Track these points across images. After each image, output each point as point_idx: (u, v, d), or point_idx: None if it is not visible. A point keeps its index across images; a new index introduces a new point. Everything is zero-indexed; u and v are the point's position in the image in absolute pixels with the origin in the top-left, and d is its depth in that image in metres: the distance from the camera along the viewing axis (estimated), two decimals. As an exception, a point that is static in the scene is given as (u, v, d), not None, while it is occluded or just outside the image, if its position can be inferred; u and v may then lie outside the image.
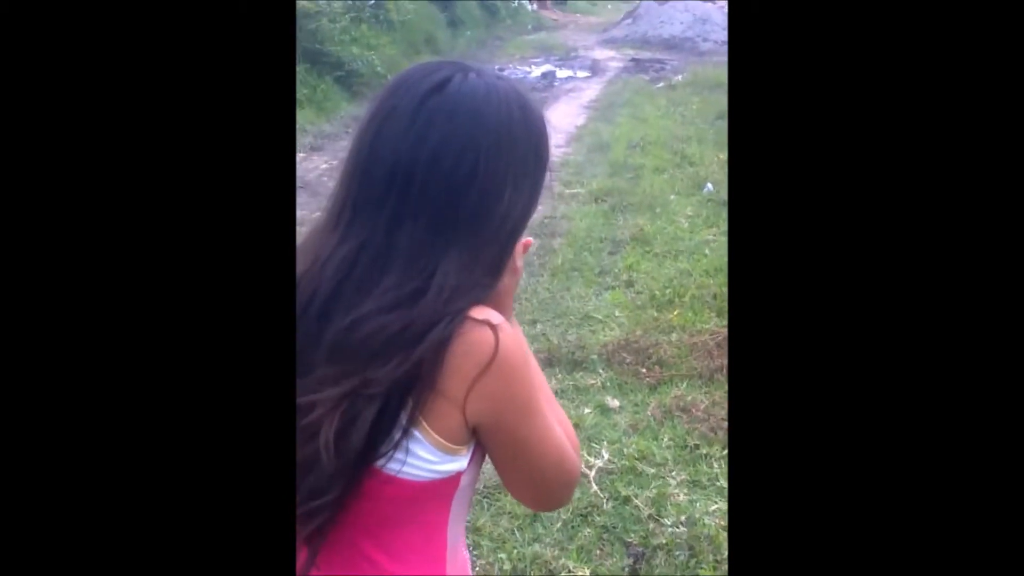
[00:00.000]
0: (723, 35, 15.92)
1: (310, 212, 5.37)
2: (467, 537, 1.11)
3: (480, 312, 0.96)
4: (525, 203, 1.04)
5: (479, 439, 1.02)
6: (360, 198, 0.99)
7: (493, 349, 0.95)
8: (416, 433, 0.96)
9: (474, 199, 0.98)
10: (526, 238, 1.09)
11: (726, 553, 2.65)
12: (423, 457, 0.98)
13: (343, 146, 3.76)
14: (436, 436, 0.97)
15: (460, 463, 1.01)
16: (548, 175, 1.08)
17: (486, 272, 1.00)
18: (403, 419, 0.95)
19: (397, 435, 0.95)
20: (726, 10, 17.04)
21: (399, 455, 0.96)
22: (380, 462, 0.96)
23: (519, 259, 1.08)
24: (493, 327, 0.95)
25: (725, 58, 13.69)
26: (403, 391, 0.94)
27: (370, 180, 0.99)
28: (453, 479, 1.02)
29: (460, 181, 0.97)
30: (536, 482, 1.07)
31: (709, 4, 17.61)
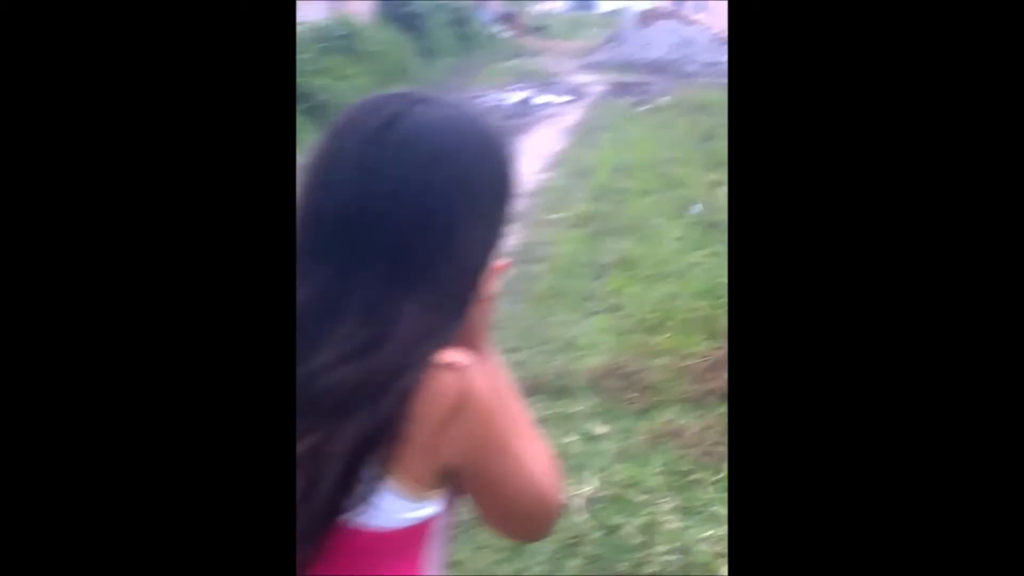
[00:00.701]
0: (708, 57, 16.14)
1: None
2: (448, 572, 1.11)
3: (448, 355, 0.95)
4: (487, 237, 1.03)
5: (453, 480, 1.01)
6: (309, 246, 0.97)
7: (462, 394, 0.94)
8: (383, 484, 0.95)
9: (430, 243, 0.97)
10: (501, 260, 1.07)
11: (722, 580, 2.63)
12: (392, 506, 0.96)
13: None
14: (405, 484, 0.96)
15: (432, 507, 1.00)
16: (518, 202, 1.07)
17: (451, 312, 0.99)
18: (369, 473, 0.94)
19: (363, 490, 0.94)
20: (711, 32, 17.29)
21: (365, 507, 0.95)
22: (345, 516, 0.95)
23: (491, 285, 1.06)
24: (461, 370, 0.95)
25: (711, 80, 13.87)
26: (369, 445, 0.93)
27: (318, 228, 0.98)
28: (426, 524, 1.01)
29: (412, 227, 0.96)
30: (515, 519, 1.07)
31: (693, 27, 17.85)
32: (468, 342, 1.01)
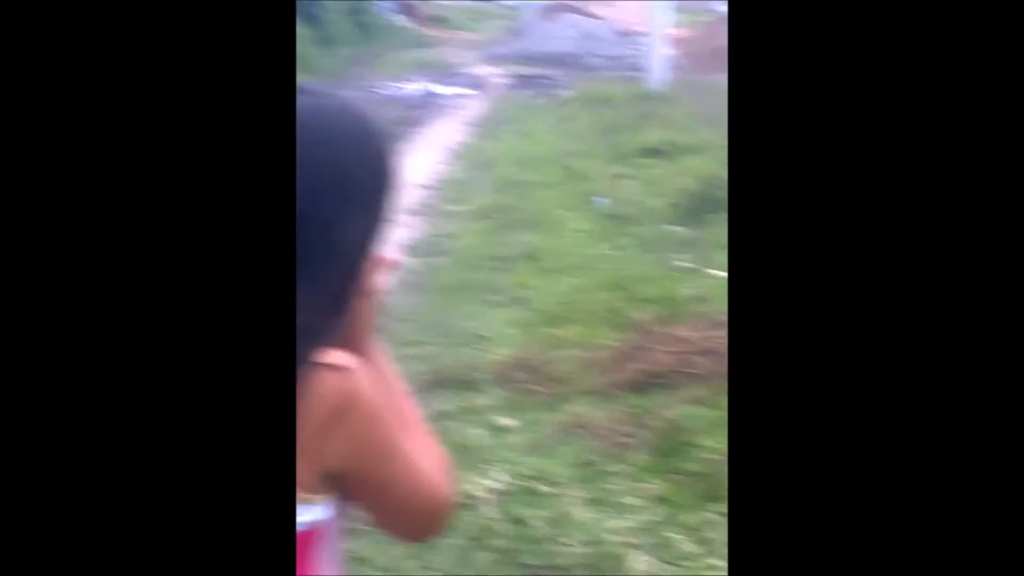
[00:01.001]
0: (611, 50, 16.32)
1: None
2: (353, 570, 1.09)
3: (330, 356, 0.94)
4: (366, 231, 1.01)
5: (340, 484, 1.00)
6: None
7: (345, 395, 0.93)
8: None
9: (305, 237, 0.93)
10: (386, 254, 1.05)
11: (629, 571, 2.66)
12: None
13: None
14: None
15: (318, 512, 0.98)
16: (400, 195, 1.05)
17: (330, 312, 0.98)
18: None
19: None
20: (613, 26, 17.50)
21: None
22: None
23: (375, 280, 1.04)
24: (344, 371, 0.93)
25: (613, 73, 14.04)
26: None
27: None
28: (313, 528, 0.99)
29: None
30: (406, 519, 1.07)
31: (595, 20, 18.02)
32: (353, 338, 1.00)
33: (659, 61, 12.48)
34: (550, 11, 18.46)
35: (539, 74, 14.80)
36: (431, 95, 12.72)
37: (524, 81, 14.07)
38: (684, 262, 5.52)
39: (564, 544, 2.80)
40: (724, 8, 17.86)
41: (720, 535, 2.79)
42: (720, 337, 4.06)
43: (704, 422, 3.48)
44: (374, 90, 12.28)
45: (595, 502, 3.03)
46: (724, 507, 2.92)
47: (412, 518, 1.07)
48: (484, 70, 15.57)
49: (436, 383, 3.85)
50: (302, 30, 14.96)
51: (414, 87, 13.19)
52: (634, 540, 2.80)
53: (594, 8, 18.80)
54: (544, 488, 3.11)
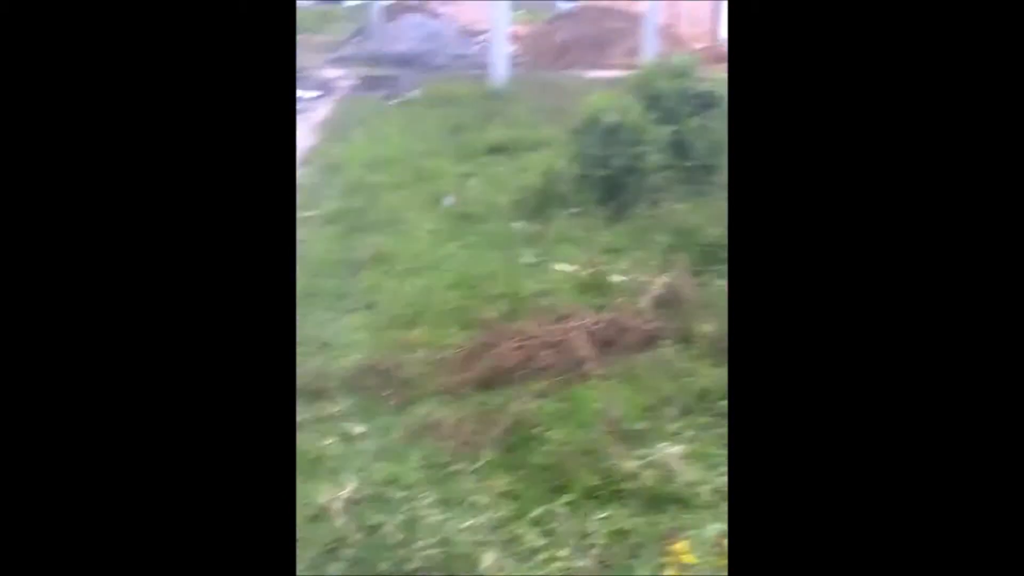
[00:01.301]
0: (455, 50, 16.32)
1: None
2: None
3: None
4: None
5: None
6: None
7: None
8: None
9: None
10: None
11: (482, 570, 2.68)
12: None
13: None
14: None
15: None
16: None
17: None
18: None
19: None
20: (457, 25, 17.50)
21: None
22: None
23: None
24: None
25: (459, 72, 14.04)
26: None
27: None
28: None
29: None
30: None
31: (439, 20, 17.99)
32: None
33: (501, 59, 12.56)
34: (394, 11, 18.30)
35: (385, 75, 14.66)
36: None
37: (371, 82, 13.91)
38: (529, 258, 5.58)
39: (416, 548, 2.79)
40: (565, 5, 18.09)
41: (565, 526, 2.84)
42: (562, 330, 4.12)
43: (549, 415, 3.53)
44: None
45: (446, 503, 3.04)
46: (570, 498, 2.98)
47: None
48: (331, 72, 15.33)
49: (286, 394, 3.77)
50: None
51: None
52: (484, 538, 2.82)
53: (436, 7, 18.76)
54: (396, 493, 3.09)
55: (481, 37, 16.05)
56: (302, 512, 2.86)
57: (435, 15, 18.28)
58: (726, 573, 2.51)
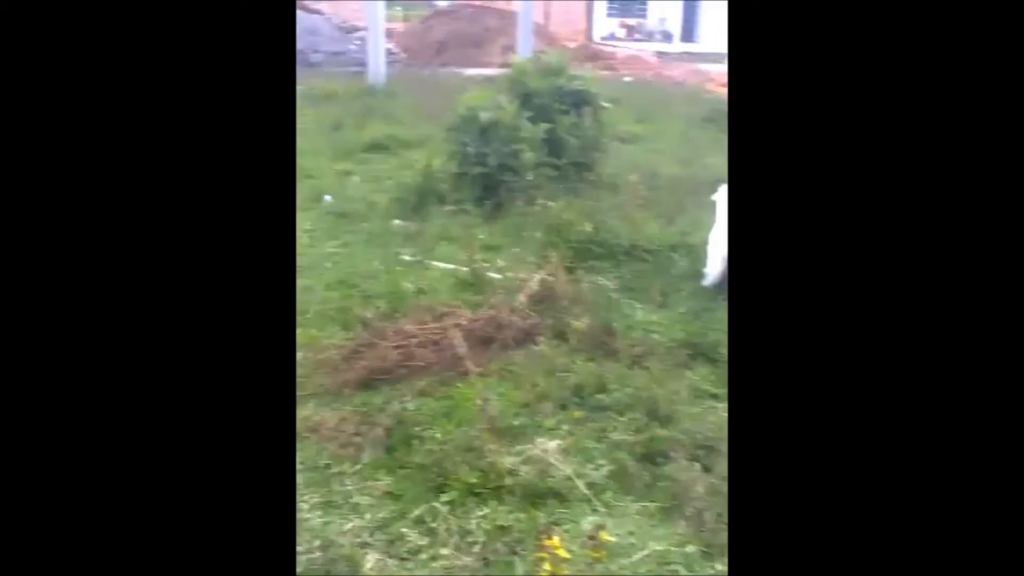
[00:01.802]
0: (333, 46, 16.06)
1: None
2: None
3: None
4: None
5: None
6: None
7: None
8: None
9: None
10: None
11: (364, 572, 2.64)
12: None
13: None
14: None
15: None
16: None
17: None
18: None
19: None
20: (334, 21, 17.21)
21: None
22: None
23: None
24: None
25: (336, 69, 13.83)
26: None
27: None
28: None
29: None
30: None
31: (316, 16, 17.67)
32: None
33: (379, 56, 12.43)
34: (270, 7, 17.90)
35: (263, 71, 14.34)
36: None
37: (247, 78, 13.58)
38: (409, 256, 5.54)
39: (299, 552, 2.74)
40: (441, 3, 18.01)
41: (447, 525, 2.83)
42: (441, 328, 4.11)
43: (429, 414, 3.51)
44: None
45: (328, 505, 2.99)
46: (451, 496, 2.97)
47: None
48: (206, 67, 14.90)
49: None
50: None
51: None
52: (366, 540, 2.79)
53: (314, 3, 18.44)
54: (276, 497, 3.02)
55: (359, 34, 15.83)
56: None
57: (312, 11, 17.96)
58: (601, 566, 2.55)
